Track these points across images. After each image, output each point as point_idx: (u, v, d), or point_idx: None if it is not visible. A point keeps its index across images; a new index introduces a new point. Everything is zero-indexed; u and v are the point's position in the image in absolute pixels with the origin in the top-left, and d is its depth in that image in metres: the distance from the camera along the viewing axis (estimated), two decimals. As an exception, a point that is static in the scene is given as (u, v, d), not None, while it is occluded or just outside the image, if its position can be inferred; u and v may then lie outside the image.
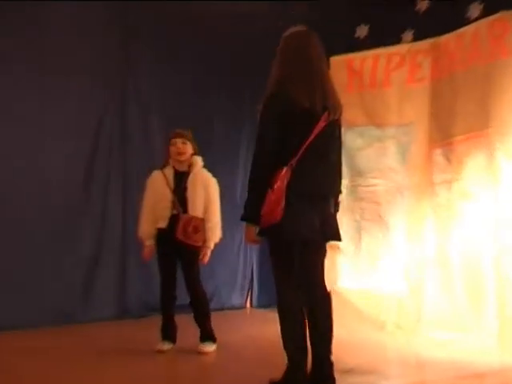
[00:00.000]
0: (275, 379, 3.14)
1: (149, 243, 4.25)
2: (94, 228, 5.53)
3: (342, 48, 5.56)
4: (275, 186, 2.88)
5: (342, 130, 5.31)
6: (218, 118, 6.22)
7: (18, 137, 5.07)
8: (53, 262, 5.17)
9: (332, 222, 3.13)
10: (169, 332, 4.28)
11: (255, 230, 2.98)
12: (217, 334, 4.30)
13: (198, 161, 4.29)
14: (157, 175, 4.27)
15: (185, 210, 4.14)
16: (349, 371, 3.65)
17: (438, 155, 4.89)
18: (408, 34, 5.41)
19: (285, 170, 2.91)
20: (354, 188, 5.40)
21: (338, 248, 5.35)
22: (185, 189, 4.17)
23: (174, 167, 4.26)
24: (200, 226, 4.13)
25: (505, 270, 4.32)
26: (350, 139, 5.35)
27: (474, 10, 4.88)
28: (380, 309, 5.10)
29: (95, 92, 5.51)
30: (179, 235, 4.08)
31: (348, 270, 5.34)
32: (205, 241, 4.17)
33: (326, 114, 3.01)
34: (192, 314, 4.25)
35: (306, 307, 3.07)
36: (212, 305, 4.78)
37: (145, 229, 4.26)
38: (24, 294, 4.93)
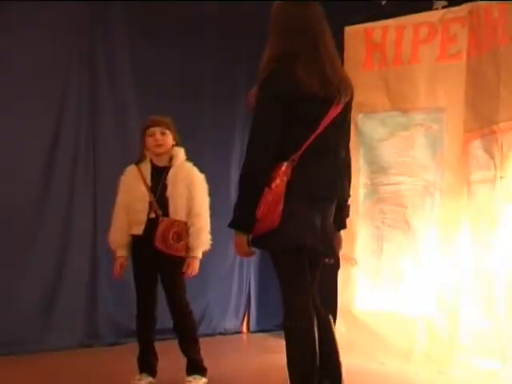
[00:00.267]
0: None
1: (120, 254, 4.23)
2: (55, 235, 5.53)
3: (359, 16, 5.56)
4: (273, 185, 2.86)
5: (360, 116, 5.31)
6: (205, 96, 6.27)
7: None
8: (4, 277, 5.16)
9: (331, 233, 3.12)
10: (147, 363, 4.26)
11: (248, 238, 2.97)
12: (207, 364, 4.27)
13: (180, 153, 4.27)
14: (131, 171, 4.26)
15: (165, 213, 4.12)
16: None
17: (477, 148, 4.89)
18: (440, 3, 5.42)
19: (285, 165, 2.89)
20: (374, 187, 5.40)
21: (355, 261, 5.38)
22: (164, 187, 4.16)
23: (151, 161, 4.26)
24: (183, 231, 4.12)
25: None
26: (369, 128, 5.36)
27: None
28: (406, 335, 5.10)
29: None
30: (158, 243, 4.06)
31: (367, 288, 5.35)
32: (189, 249, 4.16)
33: (337, 99, 3.00)
34: (176, 341, 4.24)
35: None
36: (201, 329, 4.80)
37: (116, 236, 4.24)
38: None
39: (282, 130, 2.92)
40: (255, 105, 2.96)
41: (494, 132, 4.77)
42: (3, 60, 5.36)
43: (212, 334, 6.04)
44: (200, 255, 4.19)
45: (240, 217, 2.92)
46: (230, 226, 2.95)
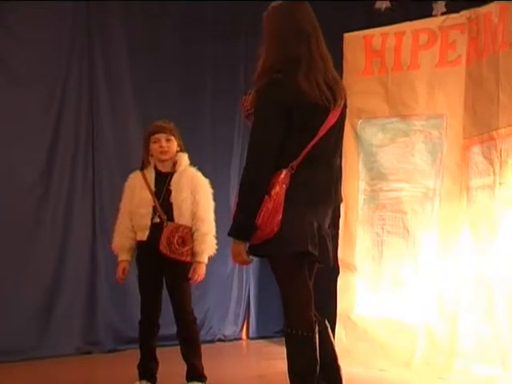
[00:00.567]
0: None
1: (123, 258, 4.22)
2: (54, 241, 5.53)
3: (359, 22, 5.57)
4: (273, 192, 2.85)
5: (359, 122, 5.32)
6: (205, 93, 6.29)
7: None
8: (2, 283, 5.16)
9: (326, 239, 3.12)
10: (148, 369, 4.24)
11: (245, 246, 2.96)
12: (206, 371, 4.26)
13: (184, 158, 4.27)
14: (135, 177, 4.26)
15: (169, 218, 4.12)
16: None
17: (476, 154, 4.89)
18: (440, 5, 5.43)
19: (284, 173, 2.88)
20: (373, 194, 5.39)
21: (354, 267, 5.37)
22: (168, 192, 4.15)
23: (155, 167, 4.25)
24: (188, 236, 4.11)
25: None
26: (368, 134, 5.35)
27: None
28: (406, 341, 5.09)
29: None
30: (163, 248, 4.03)
31: (366, 295, 5.34)
32: (195, 255, 4.14)
33: (336, 106, 3.00)
34: (176, 347, 4.23)
35: None
36: (200, 335, 4.77)
37: (118, 241, 4.24)
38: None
39: (281, 138, 2.92)
40: (254, 112, 2.95)
41: (493, 138, 4.78)
42: (2, 60, 5.38)
43: (211, 341, 6.02)
44: (206, 260, 4.17)
45: (240, 225, 2.91)
46: (230, 234, 2.95)
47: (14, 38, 5.44)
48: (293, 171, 2.91)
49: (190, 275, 4.13)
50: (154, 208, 4.12)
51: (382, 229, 5.35)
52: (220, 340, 6.26)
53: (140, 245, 4.18)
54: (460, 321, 4.87)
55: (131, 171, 4.33)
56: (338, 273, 5.37)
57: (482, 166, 4.85)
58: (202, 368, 4.23)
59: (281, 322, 3.02)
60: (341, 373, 3.08)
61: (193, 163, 4.32)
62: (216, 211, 4.35)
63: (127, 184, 4.28)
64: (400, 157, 5.33)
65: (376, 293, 5.31)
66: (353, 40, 5.44)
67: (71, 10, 5.72)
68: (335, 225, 3.30)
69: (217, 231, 4.27)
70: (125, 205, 4.25)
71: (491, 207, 4.75)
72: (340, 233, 5.37)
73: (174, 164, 4.24)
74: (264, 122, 2.92)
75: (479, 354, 4.68)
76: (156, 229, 4.09)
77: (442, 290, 5.01)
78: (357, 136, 5.41)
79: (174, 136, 4.23)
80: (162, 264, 4.09)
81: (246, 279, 6.52)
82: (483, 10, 4.93)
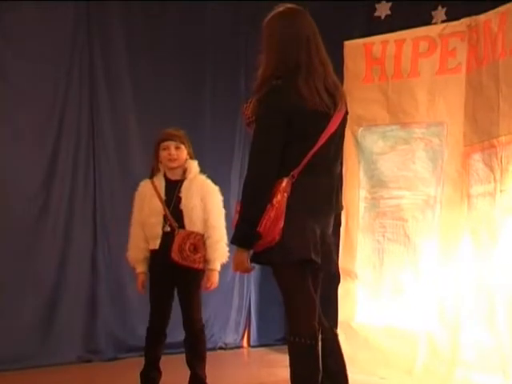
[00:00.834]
0: None
1: (140, 270, 4.22)
2: (55, 250, 5.54)
3: (359, 30, 5.58)
4: (274, 201, 2.86)
5: (360, 130, 5.34)
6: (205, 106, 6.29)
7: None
8: (3, 291, 5.16)
9: (329, 246, 3.12)
10: (150, 379, 4.24)
11: (248, 254, 2.96)
12: (208, 379, 4.24)
13: (194, 166, 4.26)
14: (145, 186, 4.25)
15: (181, 226, 4.11)
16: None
17: (477, 161, 4.89)
18: (440, 13, 5.44)
19: (285, 181, 2.89)
20: (374, 201, 5.39)
21: (355, 275, 5.37)
22: (178, 200, 4.14)
23: (165, 175, 4.24)
24: (200, 243, 4.09)
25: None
26: (369, 142, 5.36)
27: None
28: (407, 349, 5.09)
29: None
30: (174, 255, 4.02)
31: (367, 302, 5.33)
32: (207, 262, 4.13)
33: (336, 111, 3.01)
34: (179, 355, 4.22)
35: None
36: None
37: (133, 253, 4.23)
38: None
39: (283, 146, 2.92)
40: (256, 120, 2.95)
41: (493, 146, 4.78)
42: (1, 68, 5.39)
43: (212, 349, 5.99)
44: (218, 268, 4.16)
45: (242, 233, 2.91)
46: (233, 242, 2.96)
47: (14, 38, 5.42)
48: (294, 179, 2.91)
49: (203, 283, 4.13)
50: (165, 216, 4.11)
51: (383, 236, 5.35)
52: (221, 348, 6.25)
53: (152, 253, 4.18)
54: (461, 328, 4.86)
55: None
56: (339, 280, 5.36)
57: (483, 173, 4.85)
58: (205, 377, 4.23)
59: (282, 329, 3.03)
60: (348, 383, 3.08)
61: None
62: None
63: (137, 193, 4.28)
64: (400, 164, 5.33)
65: (377, 300, 5.31)
66: (353, 48, 5.46)
67: (71, 9, 5.71)
68: (336, 232, 3.28)
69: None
70: (135, 215, 4.25)
71: (492, 214, 4.75)
72: (341, 240, 5.37)
73: (184, 171, 4.23)
74: (266, 129, 2.92)
75: (480, 363, 4.67)
76: (167, 237, 4.09)
77: (443, 298, 5.01)
78: (357, 144, 5.42)
79: (184, 144, 4.22)
80: (175, 272, 4.08)
81: (246, 287, 6.51)
82: (483, 17, 4.93)
